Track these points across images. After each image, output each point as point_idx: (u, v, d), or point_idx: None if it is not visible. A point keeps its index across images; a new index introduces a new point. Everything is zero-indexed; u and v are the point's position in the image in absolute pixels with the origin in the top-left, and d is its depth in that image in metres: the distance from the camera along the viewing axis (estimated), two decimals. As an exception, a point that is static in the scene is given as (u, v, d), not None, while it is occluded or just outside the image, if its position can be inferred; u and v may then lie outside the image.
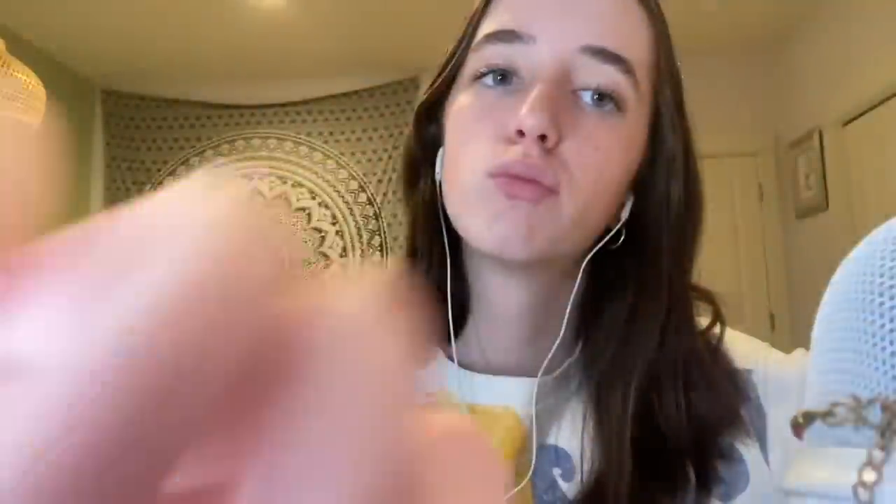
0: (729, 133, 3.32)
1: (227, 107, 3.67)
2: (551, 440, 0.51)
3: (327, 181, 3.60)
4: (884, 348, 0.22)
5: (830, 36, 2.88)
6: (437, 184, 0.54)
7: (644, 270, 0.51)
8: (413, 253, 0.56)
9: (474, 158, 0.48)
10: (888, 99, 2.54)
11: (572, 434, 0.50)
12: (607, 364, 0.50)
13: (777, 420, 0.49)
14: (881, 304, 0.22)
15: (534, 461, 0.49)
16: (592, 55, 0.47)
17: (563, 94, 0.47)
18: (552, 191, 0.47)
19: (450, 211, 0.51)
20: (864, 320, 0.23)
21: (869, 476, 0.20)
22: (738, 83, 3.35)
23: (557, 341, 0.51)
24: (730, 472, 0.48)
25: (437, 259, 0.54)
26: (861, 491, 0.20)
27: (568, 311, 0.52)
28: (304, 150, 3.63)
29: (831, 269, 0.26)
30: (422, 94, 0.56)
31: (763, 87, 3.35)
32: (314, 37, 3.20)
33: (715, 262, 3.24)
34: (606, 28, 0.48)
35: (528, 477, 0.49)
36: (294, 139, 3.64)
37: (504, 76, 0.49)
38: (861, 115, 2.71)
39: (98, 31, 3.13)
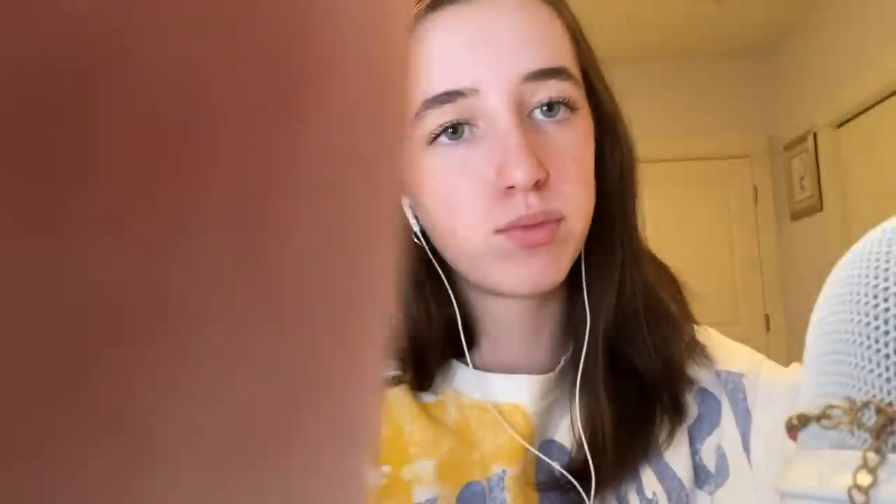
0: (724, 135, 3.33)
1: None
2: (552, 435, 0.54)
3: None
4: (878, 351, 0.22)
5: (824, 39, 2.90)
6: (414, 235, 0.55)
7: (596, 234, 0.53)
8: (406, 305, 0.55)
9: (473, 219, 0.49)
10: (882, 101, 2.55)
11: (570, 426, 0.54)
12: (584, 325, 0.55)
13: (760, 423, 0.52)
14: (876, 306, 0.22)
15: (538, 456, 0.52)
16: (534, 79, 0.48)
17: (527, 127, 0.48)
18: (559, 219, 0.49)
19: (458, 268, 0.53)
20: (859, 323, 0.23)
21: (864, 479, 0.20)
22: (733, 86, 3.36)
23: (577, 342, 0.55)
24: (715, 467, 0.52)
25: (433, 295, 0.55)
26: (856, 493, 0.20)
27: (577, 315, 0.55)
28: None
29: (826, 271, 0.26)
30: None
31: (757, 89, 3.36)
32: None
33: (710, 264, 3.24)
34: (534, 47, 0.49)
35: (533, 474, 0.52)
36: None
37: (455, 128, 0.49)
38: (855, 117, 2.72)
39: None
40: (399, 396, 0.53)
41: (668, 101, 3.32)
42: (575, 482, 0.50)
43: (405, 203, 0.54)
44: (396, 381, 0.54)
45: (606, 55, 0.56)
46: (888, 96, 2.51)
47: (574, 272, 0.54)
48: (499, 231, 0.48)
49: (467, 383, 0.54)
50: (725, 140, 3.33)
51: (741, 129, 3.36)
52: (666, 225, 3.18)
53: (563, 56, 0.50)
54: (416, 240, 0.54)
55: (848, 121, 2.77)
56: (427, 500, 0.50)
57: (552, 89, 0.48)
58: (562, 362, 0.55)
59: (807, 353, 0.26)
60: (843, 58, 2.74)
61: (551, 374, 0.54)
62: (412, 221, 0.54)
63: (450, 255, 0.52)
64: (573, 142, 0.50)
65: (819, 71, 2.94)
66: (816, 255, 2.93)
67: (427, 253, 0.54)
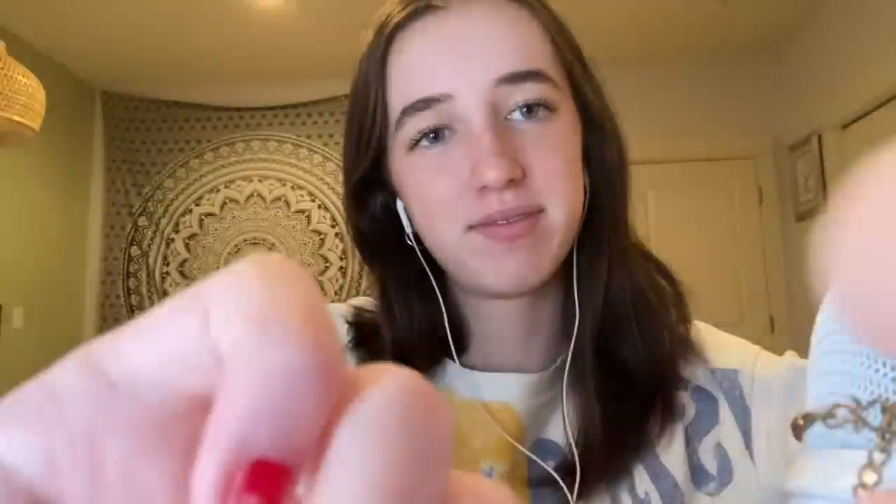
0: (729, 136, 3.32)
1: (227, 109, 3.67)
2: (547, 434, 0.54)
3: (327, 183, 3.60)
4: (884, 350, 0.22)
5: (830, 40, 2.89)
6: (407, 237, 0.55)
7: (588, 232, 0.54)
8: (389, 307, 0.56)
9: (449, 216, 0.49)
10: (887, 102, 2.54)
11: (563, 425, 0.53)
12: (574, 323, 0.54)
13: (760, 418, 0.51)
14: (881, 305, 0.22)
15: (530, 455, 0.52)
16: (508, 82, 0.48)
17: (503, 128, 0.49)
18: (539, 210, 0.49)
19: (445, 267, 0.54)
20: (865, 322, 0.23)
21: (869, 478, 0.20)
22: (739, 87, 3.36)
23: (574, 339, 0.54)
24: (716, 468, 0.51)
25: (421, 296, 0.55)
26: (861, 493, 0.20)
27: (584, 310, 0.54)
28: (303, 152, 3.63)
29: (831, 272, 0.26)
30: (350, 176, 0.56)
31: (763, 90, 3.35)
32: (314, 38, 3.21)
33: (715, 264, 3.24)
34: (507, 51, 0.49)
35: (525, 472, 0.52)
36: (294, 141, 3.64)
37: (436, 133, 0.50)
38: (860, 118, 2.72)
39: (97, 33, 3.13)
40: None
41: (673, 101, 3.31)
42: (560, 480, 0.50)
43: (399, 206, 0.55)
44: None
45: (610, 57, 0.56)
46: (894, 97, 2.50)
47: (569, 273, 0.54)
48: (472, 227, 0.49)
49: (458, 382, 0.55)
50: (730, 141, 3.32)
51: (746, 129, 3.35)
52: (671, 225, 3.17)
53: (539, 58, 0.50)
54: (408, 241, 0.55)
55: (853, 122, 2.76)
56: None
57: (528, 91, 0.49)
58: (557, 362, 0.55)
59: (812, 353, 0.26)
60: (849, 59, 2.73)
61: (543, 374, 0.54)
62: (405, 224, 0.55)
63: (435, 254, 0.53)
64: (552, 138, 0.50)
65: (824, 72, 2.93)
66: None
67: (418, 255, 0.55)
